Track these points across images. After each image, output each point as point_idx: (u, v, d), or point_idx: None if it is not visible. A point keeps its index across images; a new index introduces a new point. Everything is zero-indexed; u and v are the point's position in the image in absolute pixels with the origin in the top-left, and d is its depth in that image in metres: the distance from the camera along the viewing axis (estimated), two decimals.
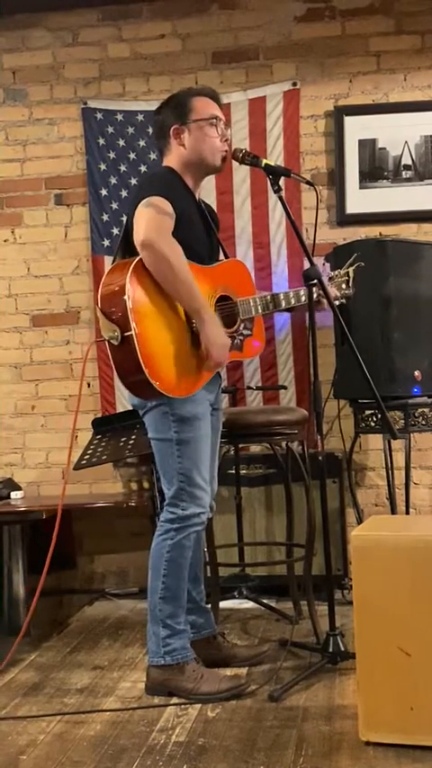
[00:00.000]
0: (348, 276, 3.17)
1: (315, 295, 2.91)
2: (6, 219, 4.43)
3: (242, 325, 2.93)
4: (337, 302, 3.09)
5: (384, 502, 4.09)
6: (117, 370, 2.72)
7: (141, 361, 2.59)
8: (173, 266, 2.64)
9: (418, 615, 2.28)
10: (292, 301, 3.02)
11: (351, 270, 3.18)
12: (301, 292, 3.02)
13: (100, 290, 2.73)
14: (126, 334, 2.60)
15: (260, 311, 2.98)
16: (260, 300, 2.98)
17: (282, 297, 3.02)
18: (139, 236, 2.65)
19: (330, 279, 3.13)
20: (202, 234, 2.90)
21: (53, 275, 4.41)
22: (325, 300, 2.94)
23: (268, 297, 3.00)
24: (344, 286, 3.17)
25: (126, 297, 2.60)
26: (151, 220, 2.66)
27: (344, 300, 3.17)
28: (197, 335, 2.73)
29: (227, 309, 2.90)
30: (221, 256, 3.08)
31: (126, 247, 2.79)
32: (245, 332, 2.94)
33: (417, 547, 2.31)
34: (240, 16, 4.29)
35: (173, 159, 2.91)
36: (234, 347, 2.90)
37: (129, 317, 2.59)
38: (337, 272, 3.19)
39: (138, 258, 2.66)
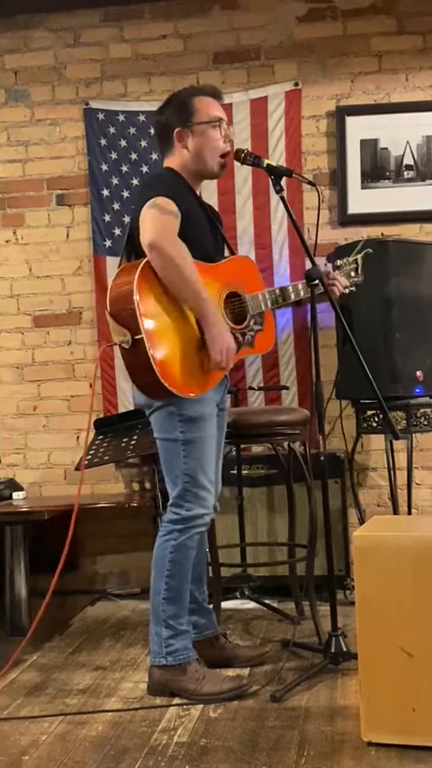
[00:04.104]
0: (357, 263, 3.14)
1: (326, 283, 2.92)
2: (8, 220, 4.43)
3: (252, 321, 2.93)
4: (346, 291, 3.08)
5: (386, 502, 4.09)
6: (129, 373, 2.71)
7: (153, 363, 2.59)
8: (179, 267, 2.64)
9: (421, 616, 2.28)
10: (302, 293, 2.98)
11: (359, 257, 3.15)
12: None
13: (108, 294, 2.72)
14: (137, 337, 2.61)
15: (269, 305, 2.96)
16: (269, 295, 2.96)
17: (291, 289, 2.99)
18: (145, 237, 2.64)
19: (338, 267, 3.11)
20: (207, 232, 2.90)
21: (55, 276, 4.41)
22: (336, 288, 2.95)
23: (277, 290, 2.98)
24: (352, 274, 3.13)
25: (135, 300, 2.60)
26: (157, 221, 2.66)
27: (353, 288, 3.14)
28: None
29: (236, 306, 2.90)
30: (227, 253, 3.07)
31: (131, 249, 2.79)
32: (255, 327, 2.93)
33: (419, 547, 2.31)
34: (242, 16, 4.29)
35: (175, 161, 2.91)
36: (245, 343, 2.90)
37: (138, 320, 2.59)
38: (345, 260, 3.15)
39: (145, 260, 2.66)
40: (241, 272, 2.97)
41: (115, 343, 2.69)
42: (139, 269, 2.64)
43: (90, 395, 4.31)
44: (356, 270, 3.14)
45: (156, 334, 2.62)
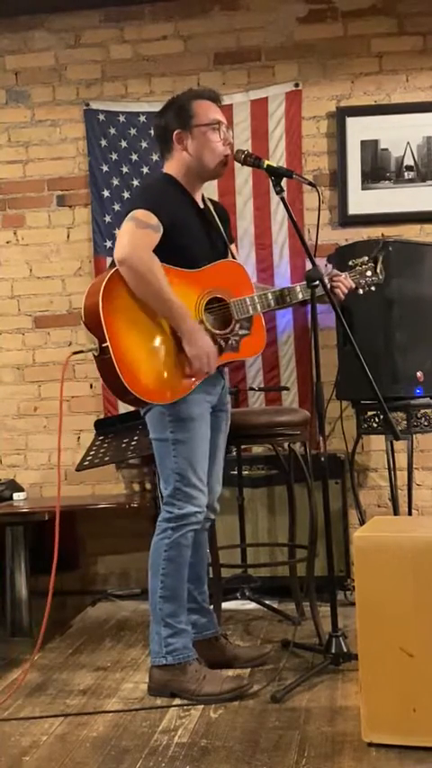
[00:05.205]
0: (376, 261, 3.10)
1: (329, 286, 2.91)
2: (9, 221, 4.43)
3: (237, 326, 2.88)
4: (361, 291, 3.08)
5: (387, 503, 4.09)
6: (102, 380, 2.78)
7: (119, 370, 2.63)
8: (148, 281, 2.67)
9: (421, 616, 2.28)
10: (300, 296, 2.96)
11: (380, 256, 3.11)
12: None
13: (82, 303, 2.77)
14: (103, 345, 2.65)
15: (259, 309, 2.92)
16: (259, 299, 2.92)
17: (288, 292, 2.96)
18: (117, 252, 2.69)
19: (351, 268, 3.09)
20: (201, 238, 2.88)
21: (55, 276, 4.41)
22: (339, 291, 2.95)
23: (269, 294, 2.94)
24: (369, 273, 3.10)
25: (100, 308, 2.64)
26: (132, 236, 2.68)
27: (373, 288, 3.13)
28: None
29: (219, 311, 2.87)
30: (230, 257, 3.03)
31: None
32: (241, 332, 2.89)
33: (419, 548, 2.31)
34: (242, 17, 4.29)
35: (174, 164, 2.90)
36: (229, 348, 2.88)
37: (104, 328, 2.64)
38: (361, 260, 3.11)
39: (113, 270, 2.70)
40: (228, 277, 2.92)
41: (82, 351, 2.77)
42: (107, 277, 2.68)
43: (91, 396, 4.33)
44: (375, 269, 3.10)
45: (122, 342, 2.65)
